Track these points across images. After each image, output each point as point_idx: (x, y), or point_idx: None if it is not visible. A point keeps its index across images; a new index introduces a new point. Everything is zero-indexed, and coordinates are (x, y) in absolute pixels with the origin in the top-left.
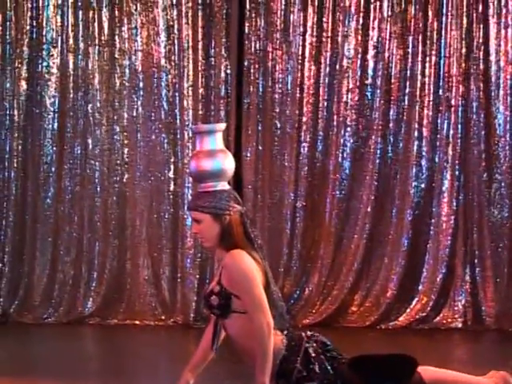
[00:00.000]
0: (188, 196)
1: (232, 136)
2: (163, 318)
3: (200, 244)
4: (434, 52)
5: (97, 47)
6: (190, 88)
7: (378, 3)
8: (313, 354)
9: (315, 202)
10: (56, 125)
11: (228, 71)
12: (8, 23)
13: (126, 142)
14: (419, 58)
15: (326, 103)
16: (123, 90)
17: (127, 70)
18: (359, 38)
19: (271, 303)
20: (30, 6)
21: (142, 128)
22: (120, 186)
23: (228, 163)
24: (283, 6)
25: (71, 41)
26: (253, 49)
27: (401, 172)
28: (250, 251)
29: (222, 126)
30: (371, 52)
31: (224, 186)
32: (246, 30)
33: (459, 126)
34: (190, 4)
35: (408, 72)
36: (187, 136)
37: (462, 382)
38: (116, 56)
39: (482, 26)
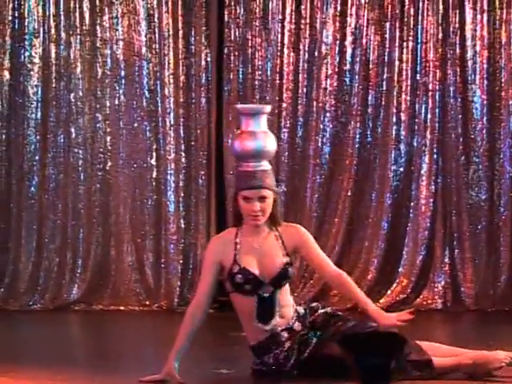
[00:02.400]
0: (171, 182)
1: (213, 122)
2: (148, 303)
3: (254, 221)
4: (410, 38)
5: (78, 37)
6: (171, 76)
7: None
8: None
9: (296, 186)
10: (39, 114)
11: (208, 59)
12: None
13: (108, 130)
14: (396, 44)
15: (305, 89)
16: (105, 79)
17: (109, 59)
18: (337, 24)
19: None
20: None
21: (124, 116)
22: (103, 173)
23: (270, 144)
24: None
25: (53, 31)
26: (232, 36)
27: (380, 156)
28: None
29: (268, 108)
30: (349, 38)
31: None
32: (226, 18)
33: (437, 111)
34: None
35: (386, 58)
36: (169, 123)
37: (448, 350)
38: (97, 45)
39: (458, 11)
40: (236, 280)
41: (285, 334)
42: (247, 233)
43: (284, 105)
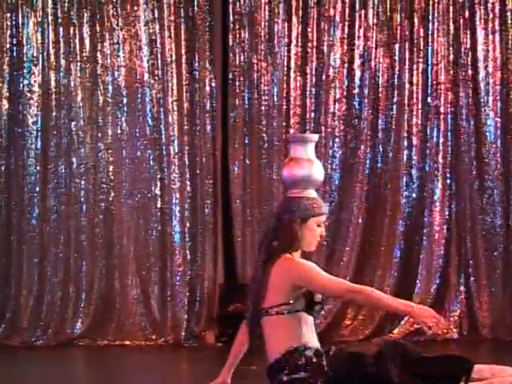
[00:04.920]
0: (176, 212)
1: (219, 150)
2: (154, 337)
3: (318, 245)
4: (421, 59)
5: (79, 64)
6: (175, 103)
7: (363, 11)
8: None
9: None
10: (39, 144)
11: (213, 84)
12: None
13: (111, 159)
14: (406, 66)
15: (313, 114)
16: (107, 107)
17: (110, 86)
18: (345, 47)
19: None
20: (9, 23)
21: (126, 145)
22: (106, 204)
23: (316, 172)
24: (267, 17)
25: (52, 58)
26: (237, 61)
27: (391, 182)
28: None
29: (315, 136)
30: (357, 61)
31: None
32: (230, 42)
33: (449, 134)
34: (172, 17)
35: (395, 80)
36: (173, 152)
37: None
38: (98, 72)
39: (469, 31)
40: (315, 300)
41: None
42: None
43: (291, 131)
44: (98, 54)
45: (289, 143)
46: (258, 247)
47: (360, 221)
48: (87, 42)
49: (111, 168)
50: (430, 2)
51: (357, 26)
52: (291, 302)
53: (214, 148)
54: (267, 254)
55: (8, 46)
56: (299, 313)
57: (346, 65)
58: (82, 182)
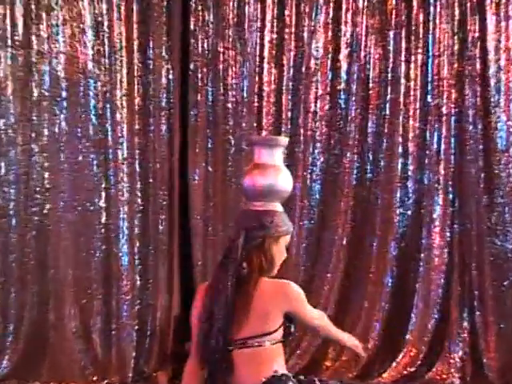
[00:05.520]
0: (124, 229)
1: (176, 155)
2: (95, 378)
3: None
4: (420, 50)
5: (9, 50)
6: (124, 98)
7: None
8: None
9: None
10: None
11: (170, 76)
12: None
13: (46, 164)
14: (402, 58)
15: (289, 113)
16: (42, 101)
17: (47, 77)
18: (329, 34)
19: None
20: None
21: (65, 147)
22: (40, 218)
23: (282, 181)
24: None
25: None
26: (200, 49)
27: (382, 196)
28: None
29: (284, 140)
30: (344, 51)
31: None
32: (192, 27)
33: (452, 140)
34: None
35: (389, 75)
36: (121, 156)
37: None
38: (33, 60)
39: (477, 17)
40: (291, 330)
41: None
42: None
43: (264, 132)
44: (33, 39)
45: (252, 147)
46: (218, 268)
47: (344, 242)
48: (20, 23)
49: (47, 175)
50: None
51: (344, 9)
52: (277, 330)
53: (171, 152)
54: (235, 277)
55: None
56: (279, 343)
57: (330, 55)
58: (12, 192)
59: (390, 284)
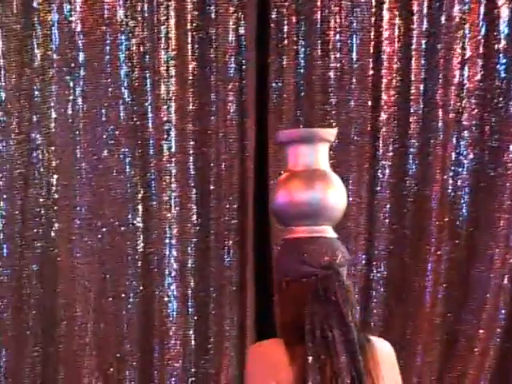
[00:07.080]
0: (172, 262)
1: (250, 150)
2: None
3: None
4: None
5: None
6: (172, 63)
7: None
8: None
9: None
10: None
11: (241, 30)
12: None
13: (54, 163)
14: None
15: (422, 86)
16: (48, 69)
17: (55, 31)
18: None
19: None
20: None
21: (83, 137)
22: (45, 243)
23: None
24: None
25: None
26: None
27: None
28: None
29: (331, 132)
30: None
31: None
32: None
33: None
34: None
35: None
36: (167, 151)
37: None
38: (34, 5)
39: None
40: None
41: None
42: None
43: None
44: None
45: (284, 146)
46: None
47: None
48: None
49: (54, 180)
50: None
51: None
52: None
53: (242, 146)
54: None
55: None
56: None
57: None
58: (1, 205)
59: None
